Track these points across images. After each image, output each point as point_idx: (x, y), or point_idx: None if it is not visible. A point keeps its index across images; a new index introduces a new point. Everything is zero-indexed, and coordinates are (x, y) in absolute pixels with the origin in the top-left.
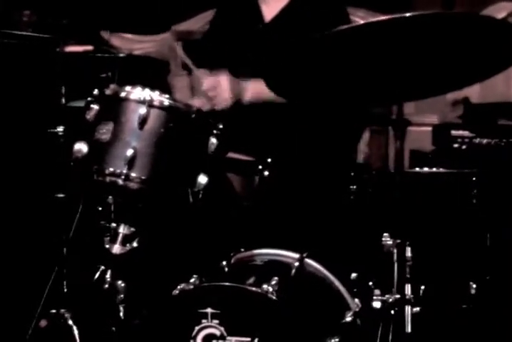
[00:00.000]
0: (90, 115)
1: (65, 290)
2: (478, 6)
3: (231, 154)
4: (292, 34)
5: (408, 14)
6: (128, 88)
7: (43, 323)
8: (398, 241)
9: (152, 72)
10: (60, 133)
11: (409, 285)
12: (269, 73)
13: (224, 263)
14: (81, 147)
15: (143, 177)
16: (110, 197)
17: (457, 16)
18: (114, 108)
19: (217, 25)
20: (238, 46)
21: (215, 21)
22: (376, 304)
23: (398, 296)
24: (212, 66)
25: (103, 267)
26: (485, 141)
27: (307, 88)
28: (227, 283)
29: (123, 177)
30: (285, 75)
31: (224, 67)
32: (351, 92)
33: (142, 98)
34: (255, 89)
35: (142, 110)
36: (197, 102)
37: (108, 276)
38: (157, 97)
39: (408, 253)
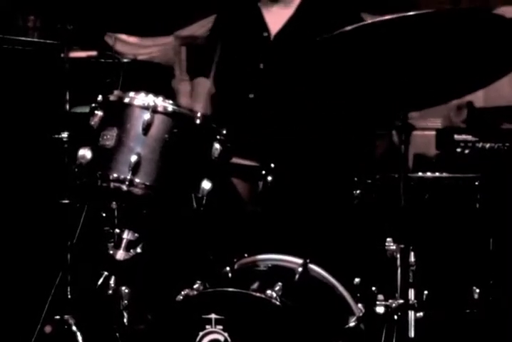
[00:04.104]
0: (94, 121)
1: (70, 296)
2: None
3: (235, 160)
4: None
5: (411, 13)
6: (131, 94)
7: (47, 328)
8: (402, 246)
9: (156, 77)
10: (65, 139)
11: (412, 290)
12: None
13: (227, 268)
14: (85, 152)
15: (147, 183)
16: (114, 202)
17: (460, 12)
18: (118, 114)
19: (218, 32)
20: (244, 56)
21: (215, 27)
22: (380, 309)
23: (401, 301)
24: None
25: (106, 273)
26: (488, 145)
27: (312, 91)
28: (230, 289)
29: (127, 182)
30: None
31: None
32: (356, 96)
33: (146, 104)
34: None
35: (147, 115)
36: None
37: (111, 281)
38: (161, 102)
39: (412, 258)
